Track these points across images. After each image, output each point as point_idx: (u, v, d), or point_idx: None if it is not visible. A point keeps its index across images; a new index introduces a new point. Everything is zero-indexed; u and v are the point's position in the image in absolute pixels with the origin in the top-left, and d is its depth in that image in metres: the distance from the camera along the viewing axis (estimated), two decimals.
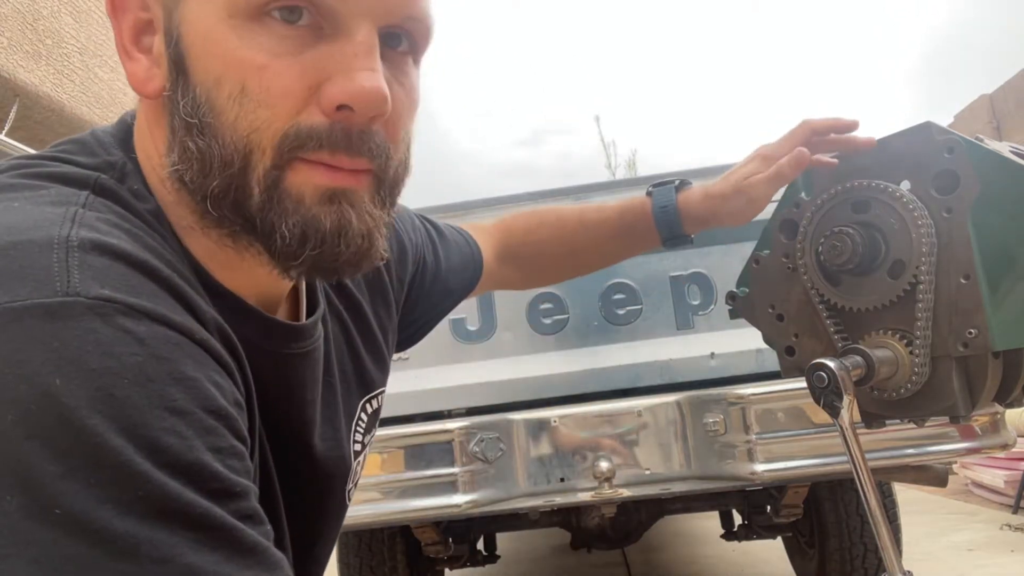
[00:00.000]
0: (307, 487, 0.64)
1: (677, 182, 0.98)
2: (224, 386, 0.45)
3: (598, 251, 1.03)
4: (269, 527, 0.44)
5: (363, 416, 0.73)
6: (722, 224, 0.97)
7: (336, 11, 0.49)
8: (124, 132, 0.57)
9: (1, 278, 0.40)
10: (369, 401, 0.74)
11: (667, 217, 0.96)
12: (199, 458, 0.40)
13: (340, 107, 0.49)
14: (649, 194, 0.98)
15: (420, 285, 0.88)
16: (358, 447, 0.71)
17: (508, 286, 1.09)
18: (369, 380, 0.74)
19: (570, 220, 1.01)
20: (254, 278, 0.55)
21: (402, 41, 0.53)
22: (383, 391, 0.78)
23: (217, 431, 0.42)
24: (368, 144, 0.51)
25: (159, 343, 0.41)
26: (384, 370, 0.78)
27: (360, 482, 0.79)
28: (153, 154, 0.54)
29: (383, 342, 0.78)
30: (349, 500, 0.73)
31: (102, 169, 0.52)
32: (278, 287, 0.60)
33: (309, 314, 0.65)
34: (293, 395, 0.61)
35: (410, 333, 0.91)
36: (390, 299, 0.80)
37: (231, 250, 0.53)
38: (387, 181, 0.54)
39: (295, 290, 0.65)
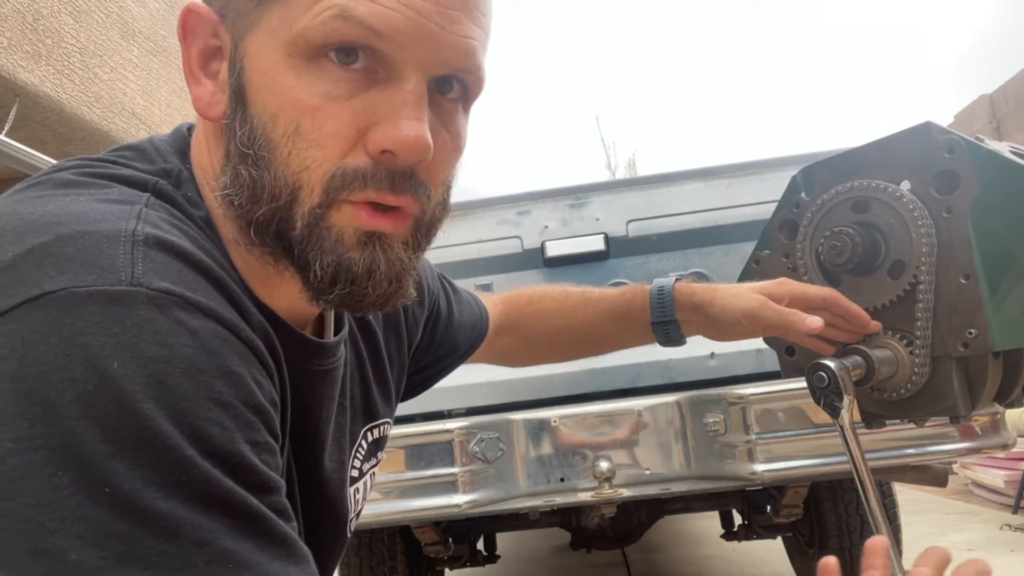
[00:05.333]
0: (311, 506, 0.64)
1: (680, 275, 1.00)
2: (264, 385, 0.47)
3: (594, 329, 1.02)
4: (295, 523, 0.46)
5: (363, 444, 0.73)
6: (706, 331, 0.98)
7: (391, 59, 0.50)
8: (180, 141, 0.59)
9: (69, 264, 0.42)
10: (371, 429, 0.75)
11: (662, 297, 0.97)
12: (239, 450, 0.42)
13: (384, 151, 0.50)
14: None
15: (433, 330, 0.89)
16: (355, 473, 0.71)
17: (501, 359, 1.07)
18: (374, 408, 0.75)
19: (573, 294, 1.03)
20: (287, 296, 0.57)
21: (453, 87, 0.55)
22: (387, 422, 0.78)
23: (255, 426, 0.44)
24: (410, 183, 0.52)
25: (209, 337, 0.43)
26: (389, 402, 0.78)
27: None
28: (208, 170, 0.56)
29: (391, 375, 0.78)
30: (350, 532, 0.73)
31: (159, 175, 0.54)
32: (309, 306, 0.61)
33: (334, 333, 0.66)
34: (312, 411, 0.62)
35: (412, 384, 0.91)
36: (403, 335, 0.82)
37: (271, 268, 0.55)
38: (424, 222, 0.56)
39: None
